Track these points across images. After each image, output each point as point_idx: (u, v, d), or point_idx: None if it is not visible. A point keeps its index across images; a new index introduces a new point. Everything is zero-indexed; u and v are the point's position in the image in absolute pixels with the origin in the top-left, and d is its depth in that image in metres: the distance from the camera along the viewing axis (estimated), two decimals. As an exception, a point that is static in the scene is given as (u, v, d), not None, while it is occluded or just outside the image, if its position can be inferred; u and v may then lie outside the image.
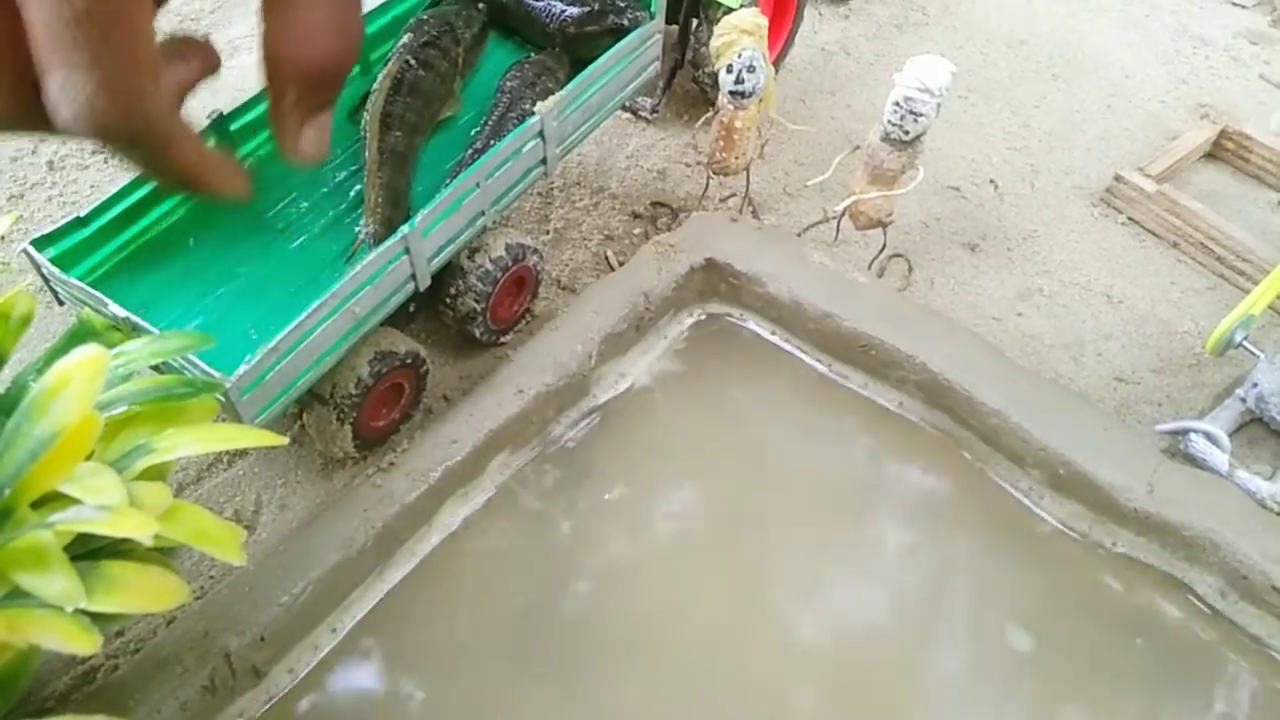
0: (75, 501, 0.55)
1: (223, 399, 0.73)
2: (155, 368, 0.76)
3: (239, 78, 1.31)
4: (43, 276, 0.81)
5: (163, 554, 0.70)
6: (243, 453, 0.93)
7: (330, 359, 0.82)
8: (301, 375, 0.80)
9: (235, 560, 0.61)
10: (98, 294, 0.76)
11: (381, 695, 0.80)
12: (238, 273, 0.89)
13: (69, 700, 0.76)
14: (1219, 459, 0.95)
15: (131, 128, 0.26)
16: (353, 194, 0.96)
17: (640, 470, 0.95)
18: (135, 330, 0.75)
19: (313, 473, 0.92)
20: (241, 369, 0.73)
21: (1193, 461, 0.96)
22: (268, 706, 0.79)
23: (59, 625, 0.54)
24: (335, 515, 0.83)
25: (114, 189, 0.87)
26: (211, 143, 0.92)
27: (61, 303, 0.83)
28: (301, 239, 0.93)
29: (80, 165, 1.16)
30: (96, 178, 1.15)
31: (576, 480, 0.93)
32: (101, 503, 0.53)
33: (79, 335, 0.74)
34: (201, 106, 1.26)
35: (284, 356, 0.77)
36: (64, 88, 0.26)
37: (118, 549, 0.63)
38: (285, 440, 0.64)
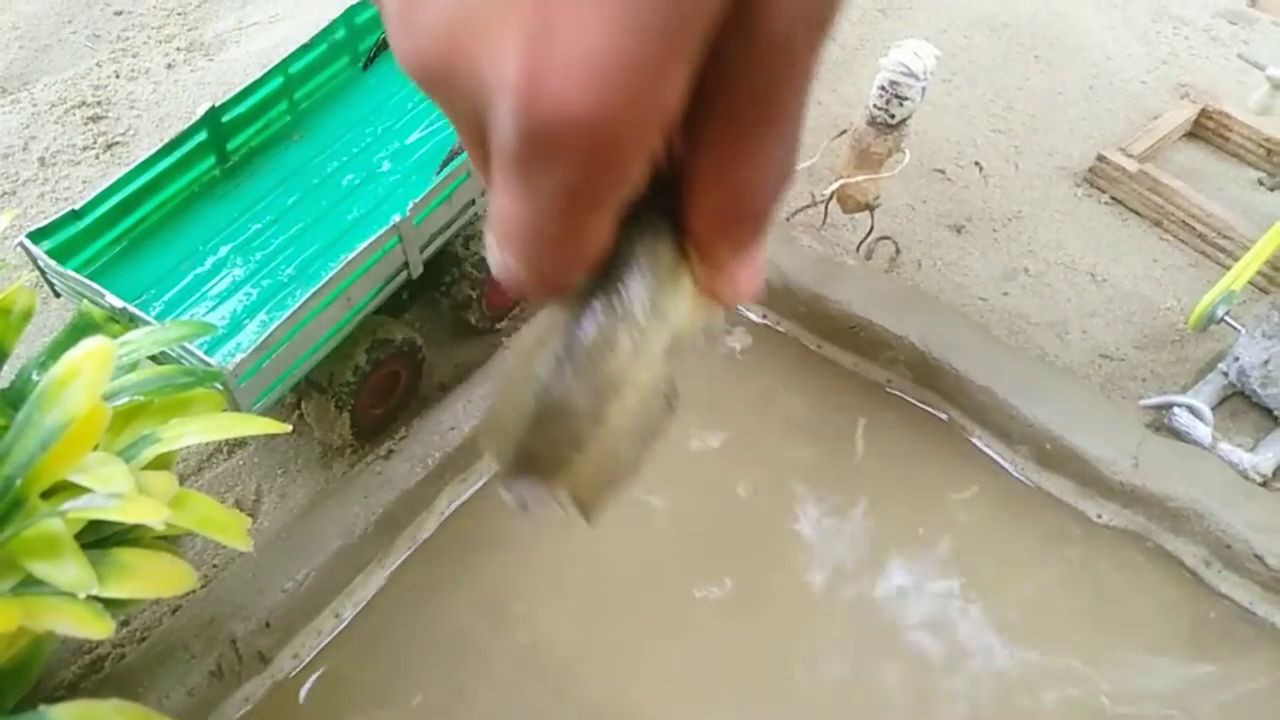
0: (85, 490, 0.56)
1: (221, 387, 0.74)
2: (154, 358, 0.77)
3: (227, 71, 1.31)
4: (39, 269, 0.81)
5: (169, 542, 0.71)
6: (242, 443, 0.94)
7: (326, 346, 0.83)
8: (298, 362, 0.81)
9: (242, 546, 0.62)
10: (95, 285, 0.77)
11: (384, 679, 0.81)
12: (232, 262, 0.90)
13: (78, 689, 0.77)
14: (1202, 432, 0.97)
15: (543, 297, 0.27)
16: (344, 183, 0.97)
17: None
18: (133, 321, 0.76)
19: (312, 462, 0.93)
20: (238, 357, 0.74)
21: (1177, 435, 0.98)
22: (273, 691, 0.80)
23: (72, 611, 0.55)
24: (336, 502, 0.84)
25: (107, 183, 0.87)
26: (204, 135, 0.93)
27: (58, 295, 0.84)
28: (294, 228, 0.93)
29: (72, 161, 1.17)
30: (89, 173, 1.16)
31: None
32: (112, 491, 0.54)
33: (79, 328, 0.75)
34: (192, 101, 1.27)
35: (280, 344, 0.78)
36: (492, 257, 0.26)
37: (125, 537, 0.65)
38: (288, 427, 0.65)
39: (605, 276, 0.48)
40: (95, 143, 1.19)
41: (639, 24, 0.22)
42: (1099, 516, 0.92)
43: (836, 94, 1.38)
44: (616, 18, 0.22)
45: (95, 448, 0.60)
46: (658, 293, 0.48)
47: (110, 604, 0.57)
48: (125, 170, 0.88)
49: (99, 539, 0.62)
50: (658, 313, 0.50)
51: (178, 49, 1.34)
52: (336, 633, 0.83)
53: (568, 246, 0.27)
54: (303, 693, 0.80)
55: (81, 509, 0.54)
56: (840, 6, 0.26)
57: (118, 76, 1.29)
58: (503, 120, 0.23)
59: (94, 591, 0.55)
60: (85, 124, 1.21)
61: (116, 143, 1.20)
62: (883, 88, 0.98)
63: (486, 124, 0.25)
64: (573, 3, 0.21)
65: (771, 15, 0.25)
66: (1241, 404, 1.04)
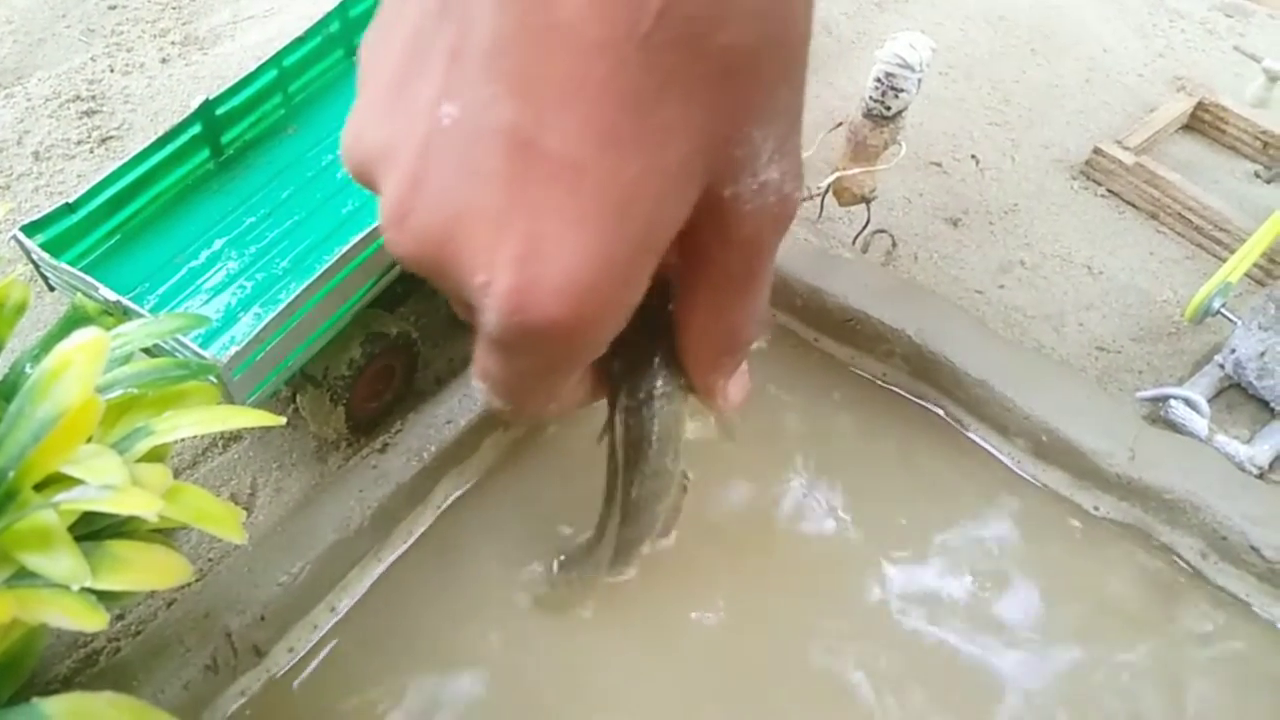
0: (78, 482, 0.56)
1: (215, 380, 0.74)
2: (147, 351, 0.77)
3: (221, 65, 1.31)
4: (33, 262, 0.81)
5: (163, 536, 0.71)
6: (237, 437, 0.94)
7: (320, 339, 0.83)
8: (292, 355, 0.81)
9: (237, 539, 0.62)
10: (89, 278, 0.76)
11: (380, 672, 0.81)
12: (226, 256, 0.90)
13: (72, 683, 0.77)
14: (1198, 424, 0.97)
15: (516, 421, 0.42)
16: (339, 177, 0.97)
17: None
18: (127, 314, 0.76)
19: (307, 455, 0.93)
20: (233, 350, 0.74)
21: (1173, 427, 0.98)
22: (269, 685, 0.80)
23: (66, 604, 0.55)
24: (331, 496, 0.84)
25: (100, 177, 0.87)
26: (198, 128, 0.93)
27: (52, 288, 0.84)
28: (288, 221, 0.93)
29: (66, 155, 1.17)
30: (83, 167, 1.15)
31: (569, 454, 0.94)
32: (105, 482, 0.54)
33: (73, 320, 0.75)
34: (187, 95, 1.27)
35: (274, 337, 0.78)
36: (479, 388, 0.33)
37: (119, 531, 0.64)
38: (283, 420, 0.65)
39: (634, 438, 0.56)
40: (90, 137, 1.19)
41: (614, 249, 0.25)
42: (1096, 509, 0.92)
43: (832, 87, 1.38)
44: (596, 242, 0.25)
45: (88, 440, 0.60)
46: (679, 437, 0.55)
47: (104, 597, 0.56)
48: (119, 163, 0.88)
49: (92, 532, 0.61)
50: (679, 455, 0.57)
51: (172, 43, 1.33)
52: (332, 626, 0.83)
53: (543, 397, 0.34)
54: (298, 686, 0.80)
55: (74, 500, 0.54)
56: (797, 206, 0.33)
57: (112, 71, 1.28)
58: (489, 317, 0.27)
59: (87, 583, 0.55)
60: (79, 118, 1.21)
61: (111, 137, 1.20)
62: (878, 80, 0.98)
63: (470, 302, 0.29)
64: (558, 230, 0.24)
65: (742, 222, 0.31)
66: (1238, 396, 1.04)
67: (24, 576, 0.56)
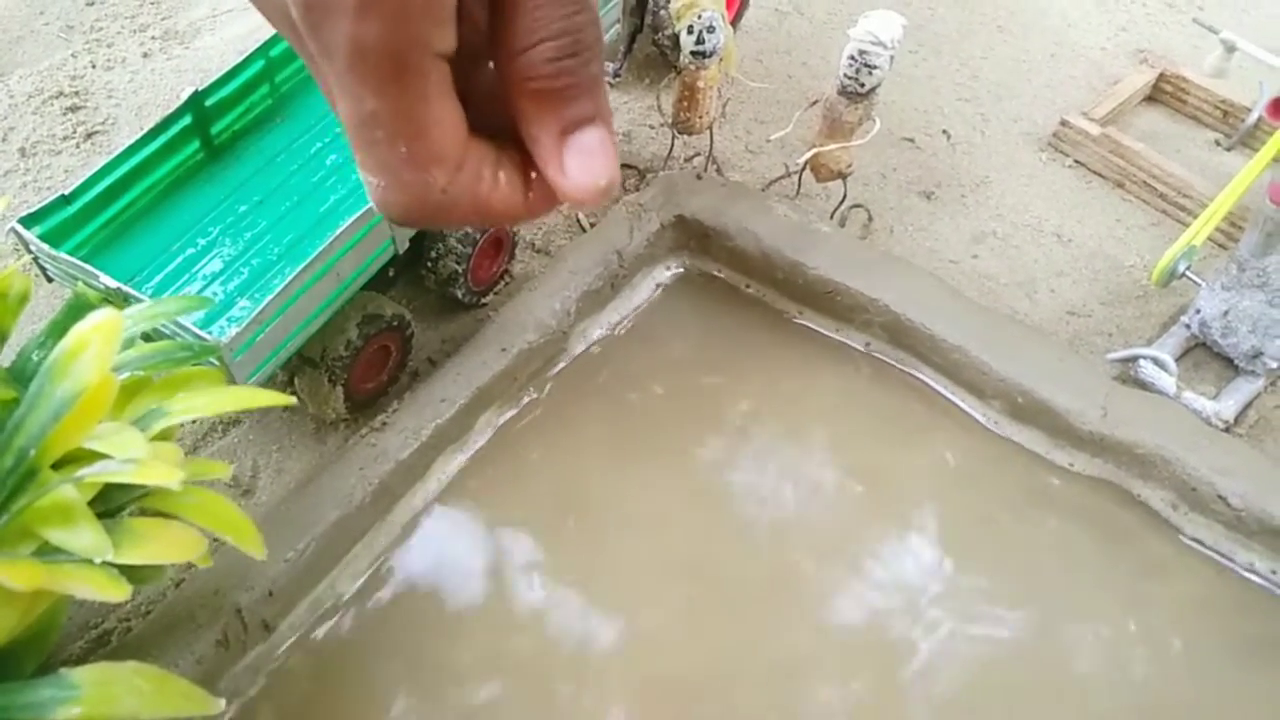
0: (99, 458, 0.58)
1: (217, 363, 0.76)
2: (146, 336, 0.79)
3: (203, 59, 1.32)
4: (31, 254, 0.83)
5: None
6: (236, 421, 0.95)
7: (317, 320, 0.85)
8: (291, 336, 0.83)
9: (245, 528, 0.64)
10: (89, 267, 0.78)
11: (384, 645, 0.84)
12: (221, 243, 0.92)
13: (86, 662, 0.78)
14: (1167, 382, 1.00)
15: (423, 218, 0.26)
16: (329, 163, 0.99)
17: (621, 419, 0.98)
18: (127, 301, 0.78)
19: (306, 437, 0.95)
20: (233, 331, 0.76)
21: (1142, 385, 1.01)
22: (278, 661, 0.82)
23: (90, 576, 0.57)
24: (332, 474, 0.86)
25: (89, 172, 0.88)
26: (188, 119, 0.94)
27: (50, 279, 0.85)
28: (281, 207, 0.95)
29: (53, 151, 1.17)
30: (70, 162, 1.16)
31: (561, 431, 0.97)
32: (128, 456, 0.56)
33: (77, 308, 0.76)
34: (170, 89, 1.28)
35: (273, 319, 0.80)
36: (366, 183, 0.26)
37: (136, 511, 0.66)
38: (292, 399, 0.67)
39: None
40: (75, 132, 1.20)
41: None
42: (1070, 465, 0.96)
43: (806, 67, 1.41)
44: None
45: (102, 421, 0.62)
46: None
47: (124, 572, 0.58)
48: (110, 156, 0.89)
49: (109, 510, 0.63)
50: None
51: (153, 38, 1.34)
52: (338, 600, 0.85)
53: (405, 126, 0.25)
54: (306, 659, 0.82)
55: (97, 474, 0.56)
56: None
57: (94, 66, 1.29)
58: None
59: (109, 557, 0.57)
60: (64, 114, 1.22)
61: (96, 131, 1.21)
62: (852, 57, 1.01)
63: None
64: None
65: None
66: (1204, 354, 1.08)
67: (47, 551, 0.58)
